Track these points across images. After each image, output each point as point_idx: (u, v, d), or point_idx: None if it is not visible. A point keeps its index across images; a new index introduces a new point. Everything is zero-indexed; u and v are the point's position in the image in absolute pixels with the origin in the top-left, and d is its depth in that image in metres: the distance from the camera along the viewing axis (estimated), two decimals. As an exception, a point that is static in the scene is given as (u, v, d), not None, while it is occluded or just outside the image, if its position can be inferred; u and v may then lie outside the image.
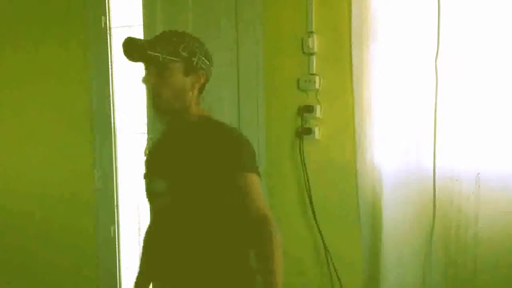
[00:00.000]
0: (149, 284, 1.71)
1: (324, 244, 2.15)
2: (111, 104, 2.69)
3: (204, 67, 1.53)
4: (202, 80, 1.54)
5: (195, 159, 1.49)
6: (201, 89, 1.56)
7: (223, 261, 1.52)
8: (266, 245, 1.38)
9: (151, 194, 1.60)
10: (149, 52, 1.43)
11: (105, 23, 2.66)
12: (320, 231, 2.16)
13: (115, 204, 2.74)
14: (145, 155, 1.72)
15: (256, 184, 1.45)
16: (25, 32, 2.91)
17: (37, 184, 2.98)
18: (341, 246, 2.14)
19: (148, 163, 1.65)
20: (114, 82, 2.68)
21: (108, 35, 2.66)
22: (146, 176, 1.63)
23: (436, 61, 1.87)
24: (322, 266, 2.18)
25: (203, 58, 1.53)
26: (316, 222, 2.16)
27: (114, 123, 2.70)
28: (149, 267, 1.69)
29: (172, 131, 1.59)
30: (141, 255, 1.74)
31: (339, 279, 2.13)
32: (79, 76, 2.74)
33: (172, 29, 1.56)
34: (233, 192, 1.46)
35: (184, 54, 1.48)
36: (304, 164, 2.17)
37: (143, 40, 1.48)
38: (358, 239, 2.08)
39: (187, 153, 1.52)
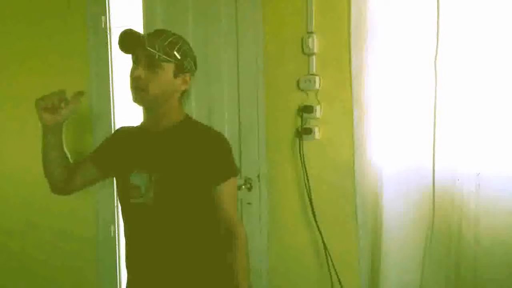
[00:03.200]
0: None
1: (324, 244, 2.15)
2: (111, 104, 2.69)
3: (191, 70, 1.58)
4: (188, 83, 1.58)
5: (177, 160, 1.54)
6: (183, 92, 1.60)
7: (192, 260, 1.57)
8: (232, 255, 1.52)
9: (127, 190, 1.60)
10: (148, 49, 1.45)
11: (105, 23, 2.66)
12: (320, 231, 2.16)
13: (115, 204, 2.74)
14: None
15: (232, 189, 1.58)
16: (25, 32, 2.91)
17: (36, 184, 2.97)
18: (341, 246, 2.14)
19: (122, 155, 1.66)
20: (114, 82, 2.69)
21: (108, 35, 2.66)
22: (115, 166, 1.65)
23: (435, 61, 1.87)
24: (322, 266, 2.18)
25: (192, 62, 1.58)
26: (316, 222, 2.16)
27: (114, 123, 2.71)
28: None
29: (152, 128, 1.60)
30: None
31: (339, 279, 2.13)
32: (79, 76, 2.75)
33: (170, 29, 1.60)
34: (209, 198, 1.55)
35: (177, 55, 1.52)
36: (304, 164, 2.17)
37: (142, 34, 1.49)
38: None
39: (169, 152, 1.55)
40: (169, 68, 1.51)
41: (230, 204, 1.56)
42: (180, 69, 1.53)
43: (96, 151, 1.76)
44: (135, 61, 1.51)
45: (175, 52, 1.51)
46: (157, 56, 1.47)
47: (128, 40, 1.48)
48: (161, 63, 1.49)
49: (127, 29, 1.50)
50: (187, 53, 1.55)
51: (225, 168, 1.56)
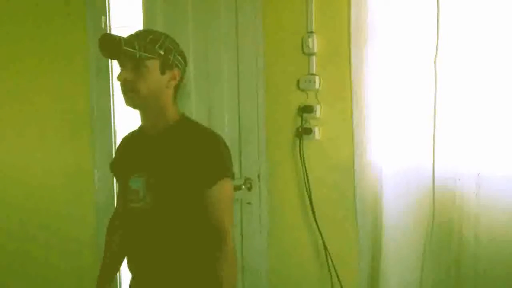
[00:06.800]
0: (113, 275, 1.77)
1: (324, 244, 2.15)
2: (111, 104, 2.69)
3: (179, 65, 1.54)
4: (177, 78, 1.54)
5: (172, 162, 1.51)
6: (176, 89, 1.56)
7: (188, 265, 1.55)
8: (218, 261, 1.47)
9: (125, 192, 1.60)
10: (125, 48, 1.42)
11: (105, 23, 2.67)
12: (320, 231, 2.16)
13: (115, 205, 2.73)
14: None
15: (223, 193, 1.51)
16: (25, 32, 2.91)
17: (37, 184, 2.98)
18: (341, 246, 2.14)
19: (125, 160, 1.65)
20: (114, 82, 2.69)
21: (108, 35, 2.66)
22: (121, 172, 1.64)
23: (435, 60, 1.87)
24: (322, 266, 2.18)
25: (178, 57, 1.54)
26: (316, 222, 2.16)
27: (114, 123, 2.71)
28: (113, 258, 1.74)
29: (149, 130, 1.58)
30: (105, 247, 1.76)
31: (339, 279, 2.13)
32: (79, 76, 2.75)
33: (150, 29, 1.59)
34: (203, 200, 1.50)
35: (160, 51, 1.48)
36: (304, 164, 2.17)
37: (120, 36, 1.46)
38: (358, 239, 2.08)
39: (165, 155, 1.53)
40: (155, 65, 1.48)
41: (221, 209, 1.49)
42: (166, 65, 1.50)
43: (114, 171, 1.74)
44: (121, 65, 1.50)
45: (157, 49, 1.47)
46: (137, 55, 1.44)
47: (107, 44, 1.46)
48: (144, 61, 1.46)
49: (104, 34, 1.49)
50: (171, 48, 1.51)
51: (216, 169, 1.49)
